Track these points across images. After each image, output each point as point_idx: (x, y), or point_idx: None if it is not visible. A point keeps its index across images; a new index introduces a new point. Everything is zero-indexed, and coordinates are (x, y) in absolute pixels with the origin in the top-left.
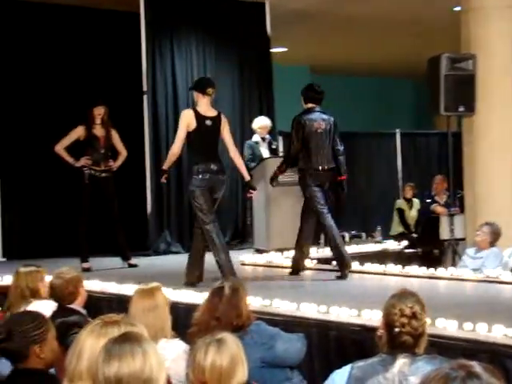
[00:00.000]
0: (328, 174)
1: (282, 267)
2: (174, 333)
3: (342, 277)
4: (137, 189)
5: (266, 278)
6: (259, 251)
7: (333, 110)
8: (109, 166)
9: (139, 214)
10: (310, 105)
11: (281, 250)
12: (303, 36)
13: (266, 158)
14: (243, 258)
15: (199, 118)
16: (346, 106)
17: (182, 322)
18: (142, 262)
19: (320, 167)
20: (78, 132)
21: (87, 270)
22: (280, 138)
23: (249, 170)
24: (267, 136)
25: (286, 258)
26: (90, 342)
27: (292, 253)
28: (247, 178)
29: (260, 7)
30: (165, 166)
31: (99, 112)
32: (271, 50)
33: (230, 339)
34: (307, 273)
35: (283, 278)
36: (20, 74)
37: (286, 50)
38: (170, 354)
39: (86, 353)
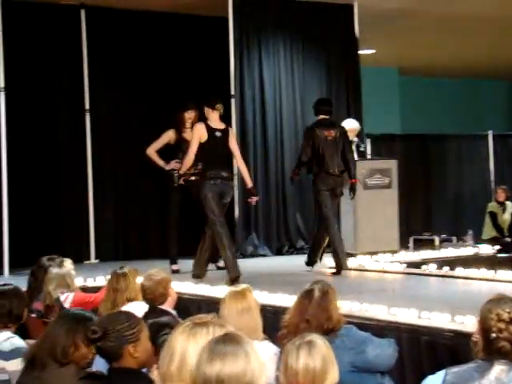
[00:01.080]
0: (339, 178)
1: (371, 271)
2: (264, 335)
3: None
4: None
5: (355, 282)
6: (347, 255)
7: (422, 112)
8: (198, 170)
9: (227, 217)
10: (321, 116)
11: (369, 254)
12: (392, 37)
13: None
14: (330, 262)
15: (210, 130)
16: (435, 107)
17: (271, 324)
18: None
19: (331, 171)
20: (169, 135)
21: (176, 271)
22: (368, 141)
23: None
24: (355, 139)
25: (375, 262)
26: (181, 343)
27: (381, 256)
28: (249, 184)
29: (348, 9)
30: (181, 171)
31: (190, 116)
32: (359, 52)
33: (320, 341)
34: (396, 277)
35: (372, 282)
36: (112, 78)
37: (374, 51)
38: (262, 356)
39: (176, 354)
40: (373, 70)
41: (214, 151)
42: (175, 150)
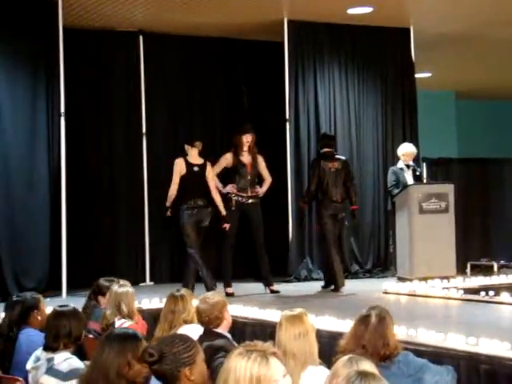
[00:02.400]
0: (341, 205)
1: (427, 296)
2: (320, 360)
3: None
4: (279, 215)
5: (410, 308)
6: (402, 279)
7: (480, 136)
8: (255, 192)
9: (281, 241)
10: (325, 149)
11: (425, 279)
12: (448, 61)
13: (410, 185)
14: (386, 287)
15: (188, 165)
16: (493, 131)
17: (326, 349)
18: (284, 288)
19: (334, 199)
20: (227, 159)
21: (231, 295)
22: (424, 165)
23: (392, 195)
24: (411, 163)
25: (430, 288)
26: (236, 368)
27: (437, 282)
28: (223, 213)
29: (404, 32)
30: (167, 204)
31: (247, 139)
32: (415, 76)
33: (368, 364)
34: (453, 303)
35: (427, 308)
36: (168, 102)
37: (430, 75)
38: (319, 381)
39: (231, 380)
40: (429, 94)
41: (191, 183)
42: (232, 174)
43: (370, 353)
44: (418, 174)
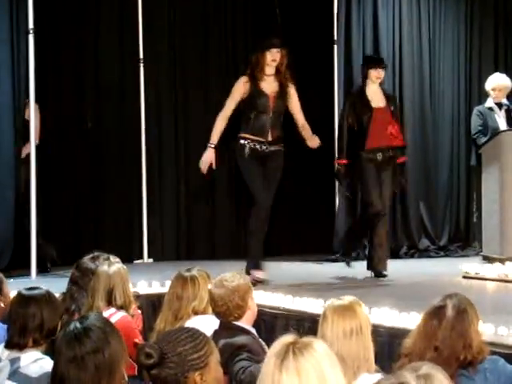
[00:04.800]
0: None
1: None
2: (377, 366)
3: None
4: (320, 173)
5: (500, 298)
6: (489, 260)
7: None
8: (278, 138)
9: (325, 208)
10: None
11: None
12: None
13: (504, 131)
14: (467, 269)
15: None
16: None
17: (385, 351)
18: (327, 269)
19: None
20: (240, 87)
21: (261, 282)
22: None
23: (477, 145)
24: (505, 101)
25: None
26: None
27: None
28: None
29: None
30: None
31: (274, 57)
32: None
33: (441, 375)
34: None
35: None
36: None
37: None
38: None
39: None
40: None
41: None
42: (246, 109)
43: (446, 357)
44: None
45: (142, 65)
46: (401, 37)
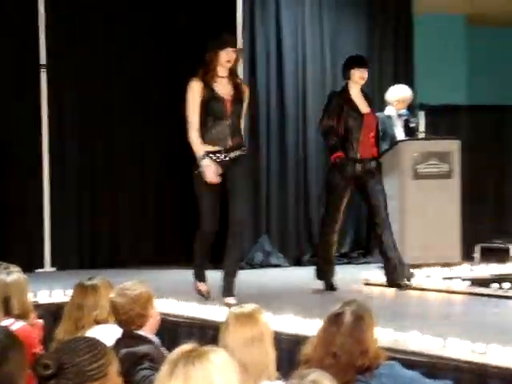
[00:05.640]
0: None
1: (422, 289)
2: (278, 373)
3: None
4: None
5: (399, 304)
6: None
7: (498, 75)
8: (239, 142)
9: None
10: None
11: (419, 267)
12: None
13: (401, 141)
14: (367, 276)
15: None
16: None
17: (286, 358)
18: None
19: None
20: (195, 91)
21: (203, 294)
22: (421, 115)
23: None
24: (404, 111)
25: (427, 278)
26: None
27: (436, 270)
28: None
29: None
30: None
31: (229, 57)
32: None
33: (328, 382)
34: (456, 298)
35: (422, 305)
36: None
37: None
38: None
39: None
40: (431, 18)
41: None
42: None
43: (344, 362)
44: (412, 125)
45: (43, 71)
46: (304, 53)
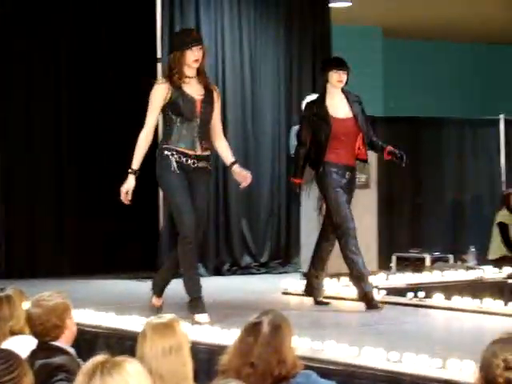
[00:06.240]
0: None
1: (340, 298)
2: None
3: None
4: (146, 192)
5: (316, 313)
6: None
7: (414, 87)
8: (207, 150)
9: (149, 226)
10: None
11: (337, 276)
12: None
13: None
14: (286, 285)
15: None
16: (431, 81)
17: (204, 368)
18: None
19: None
20: (162, 92)
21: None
22: None
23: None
24: None
25: (344, 287)
26: None
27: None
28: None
29: None
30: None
31: (197, 55)
32: (330, 5)
33: None
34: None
35: (339, 314)
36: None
37: (349, 4)
38: None
39: None
40: (349, 30)
41: None
42: (167, 117)
43: (261, 372)
44: None
45: None
46: (223, 58)
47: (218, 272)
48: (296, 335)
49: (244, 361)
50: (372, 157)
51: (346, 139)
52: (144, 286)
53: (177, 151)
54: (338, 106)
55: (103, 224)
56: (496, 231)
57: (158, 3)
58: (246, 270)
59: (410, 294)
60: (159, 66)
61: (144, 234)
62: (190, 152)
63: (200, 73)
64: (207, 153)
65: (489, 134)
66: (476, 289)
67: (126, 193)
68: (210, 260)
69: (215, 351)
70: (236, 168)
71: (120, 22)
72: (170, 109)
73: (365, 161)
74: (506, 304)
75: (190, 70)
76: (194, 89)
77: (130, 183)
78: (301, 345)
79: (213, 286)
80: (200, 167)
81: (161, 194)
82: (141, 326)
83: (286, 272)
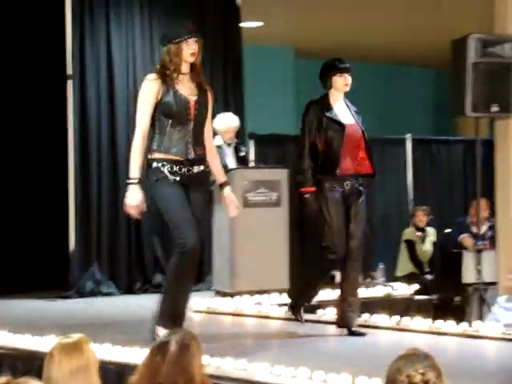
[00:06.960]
0: None
1: (253, 316)
2: None
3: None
4: (55, 205)
5: (229, 331)
6: (220, 294)
7: None
8: (201, 155)
9: (58, 243)
10: None
11: (250, 293)
12: (284, 6)
13: (232, 169)
14: (198, 304)
15: None
16: None
17: None
18: (61, 306)
19: None
20: (153, 89)
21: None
22: (251, 143)
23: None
24: (233, 140)
25: (256, 305)
26: None
27: (265, 297)
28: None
29: None
30: None
31: (192, 49)
32: (241, 25)
33: None
34: (283, 324)
35: (252, 331)
36: None
37: (261, 24)
38: None
39: None
40: (261, 50)
41: None
42: (157, 119)
43: None
44: (242, 154)
45: None
46: (135, 79)
47: (129, 290)
48: (207, 354)
49: (152, 381)
50: (282, 174)
51: (353, 147)
52: (55, 306)
53: (167, 160)
54: (343, 112)
55: (11, 244)
56: (403, 248)
57: (68, 20)
58: (157, 289)
59: (320, 311)
60: (69, 83)
61: (54, 253)
62: (182, 158)
63: (194, 69)
64: (201, 156)
65: (395, 152)
66: (383, 305)
67: (137, 206)
68: (121, 278)
69: (124, 371)
70: (227, 190)
71: (28, 36)
72: (161, 110)
73: (368, 175)
74: (412, 320)
75: (184, 66)
76: (186, 88)
77: (137, 194)
78: (210, 363)
79: (124, 304)
80: (196, 173)
81: (72, 212)
82: (49, 346)
83: (198, 290)
